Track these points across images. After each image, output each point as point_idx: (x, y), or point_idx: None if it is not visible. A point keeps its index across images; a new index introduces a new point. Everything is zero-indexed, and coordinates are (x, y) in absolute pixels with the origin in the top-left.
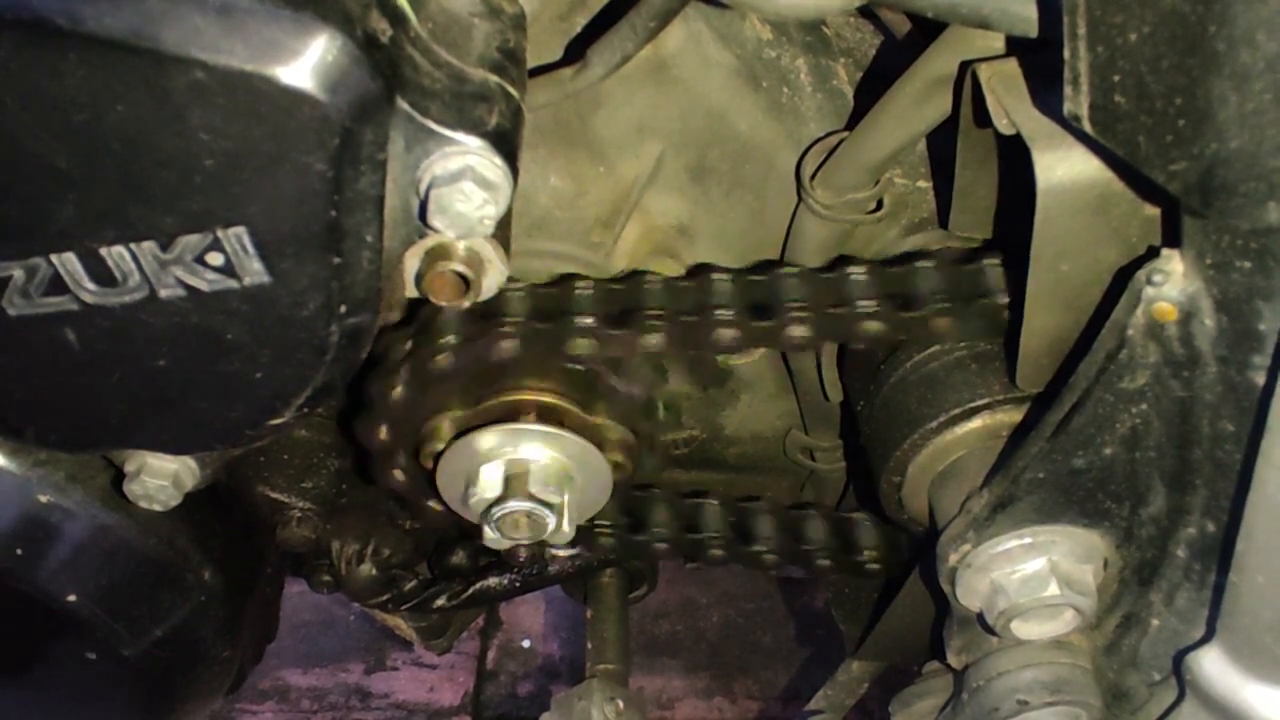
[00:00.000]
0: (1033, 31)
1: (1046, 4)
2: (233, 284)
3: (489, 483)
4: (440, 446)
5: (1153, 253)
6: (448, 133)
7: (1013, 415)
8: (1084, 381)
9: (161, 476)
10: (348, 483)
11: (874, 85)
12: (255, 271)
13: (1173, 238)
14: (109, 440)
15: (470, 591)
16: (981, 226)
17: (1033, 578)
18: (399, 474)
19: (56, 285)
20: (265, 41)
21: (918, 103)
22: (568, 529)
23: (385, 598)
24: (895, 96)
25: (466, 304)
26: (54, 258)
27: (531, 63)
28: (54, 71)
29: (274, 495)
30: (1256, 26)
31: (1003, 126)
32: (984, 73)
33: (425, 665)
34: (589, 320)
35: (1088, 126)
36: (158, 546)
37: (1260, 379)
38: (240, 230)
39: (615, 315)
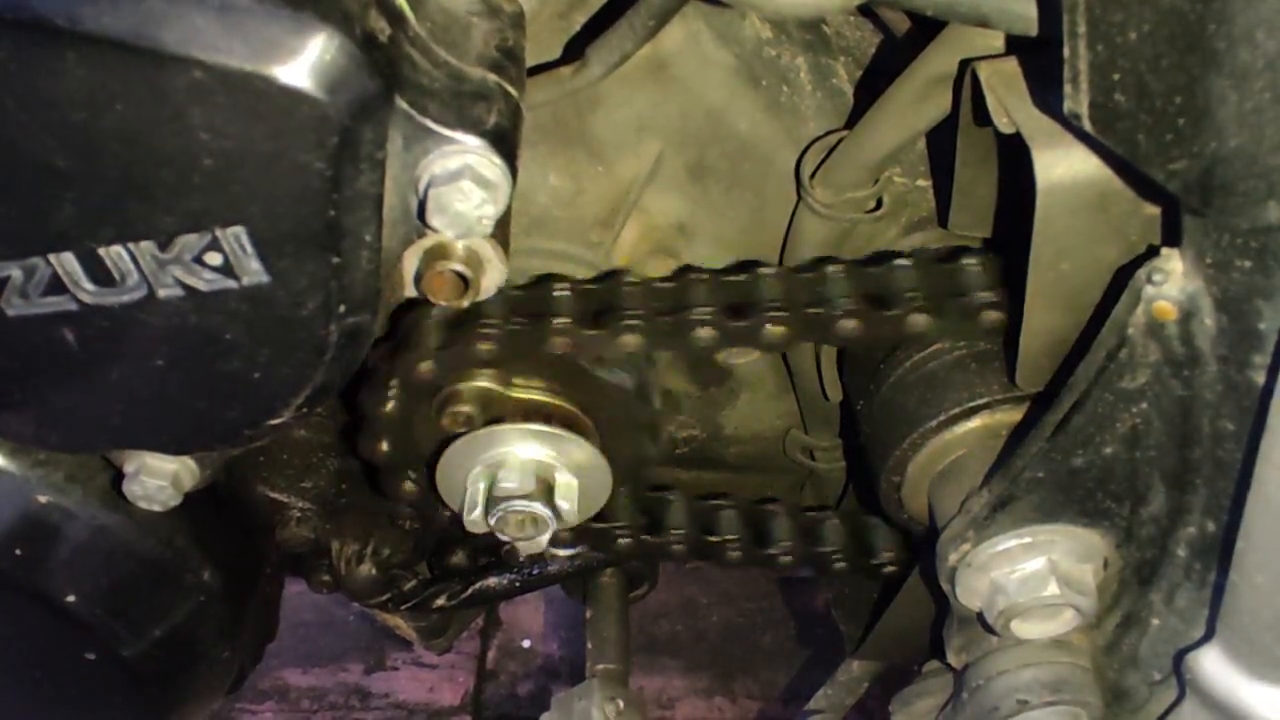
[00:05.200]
0: (1032, 30)
1: (1046, 2)
2: (231, 284)
3: (491, 481)
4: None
5: (1153, 252)
6: (446, 132)
7: (1012, 415)
8: (1084, 381)
9: (161, 477)
10: (347, 483)
11: (874, 84)
12: (254, 271)
13: (1172, 236)
14: (108, 440)
15: (470, 591)
16: (981, 225)
17: (1032, 577)
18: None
19: (55, 285)
20: (264, 41)
21: (917, 101)
22: (571, 517)
23: (385, 597)
24: (895, 95)
25: (465, 304)
26: (52, 258)
27: (530, 61)
28: (53, 71)
29: (273, 495)
30: (1256, 25)
31: (1002, 125)
32: (983, 71)
33: (425, 665)
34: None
35: (1087, 125)
36: (157, 547)
37: (1260, 378)
38: (239, 230)
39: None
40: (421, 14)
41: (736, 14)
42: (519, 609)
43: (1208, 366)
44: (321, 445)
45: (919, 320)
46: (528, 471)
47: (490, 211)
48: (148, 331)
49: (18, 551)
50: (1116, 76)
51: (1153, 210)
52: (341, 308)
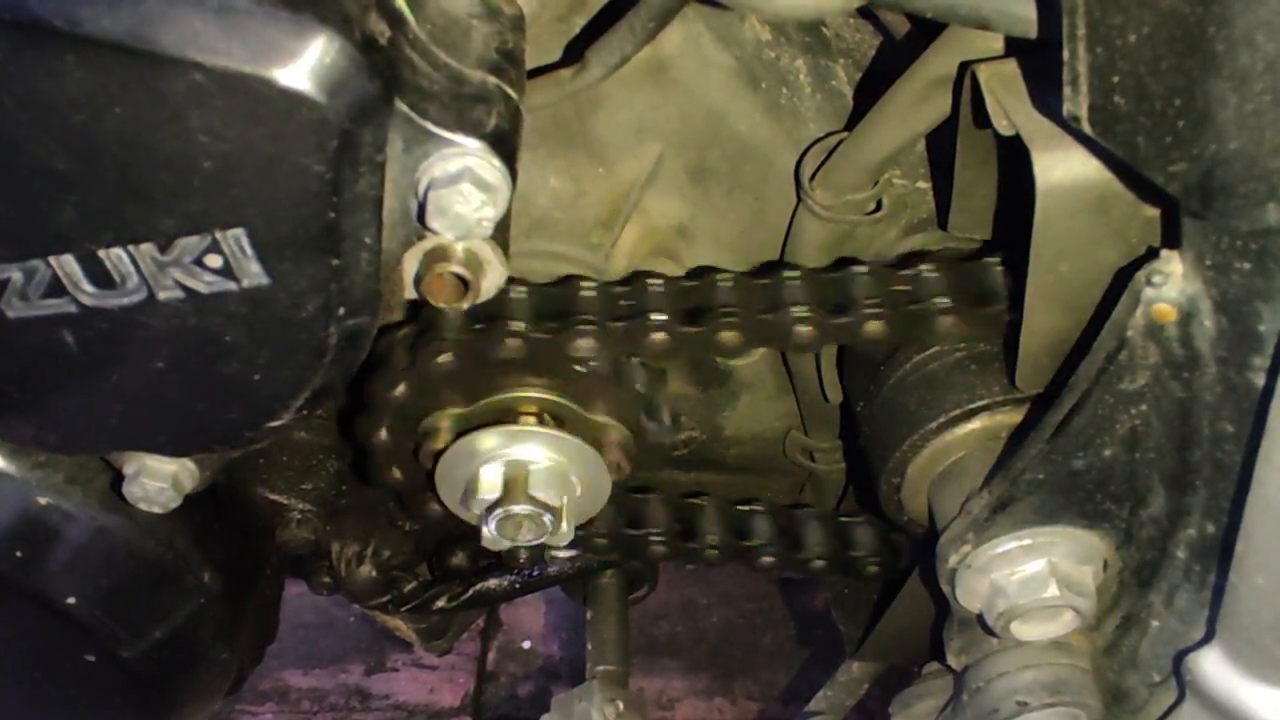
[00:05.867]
0: (1032, 32)
1: (1046, 4)
2: (231, 286)
3: (489, 484)
4: None
5: (1152, 254)
6: (446, 134)
7: (1012, 416)
8: (1084, 382)
9: (160, 478)
10: (347, 484)
11: (873, 86)
12: (254, 273)
13: (1172, 239)
14: (108, 442)
15: (470, 593)
16: (981, 227)
17: (1032, 579)
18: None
19: (55, 287)
20: (263, 43)
21: (917, 103)
22: (566, 530)
23: (385, 599)
24: (894, 97)
25: (465, 306)
26: (52, 260)
27: (530, 64)
28: (52, 73)
29: (273, 497)
30: (1256, 27)
31: (1002, 127)
32: (983, 73)
33: (425, 666)
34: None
35: (1087, 127)
36: (157, 548)
37: (1260, 380)
38: (239, 232)
39: None
40: (421, 16)
41: (736, 16)
42: (519, 610)
43: (1207, 368)
44: (322, 447)
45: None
46: (526, 472)
47: (490, 214)
48: (147, 333)
49: (18, 553)
50: (1116, 79)
51: (1152, 212)
52: (341, 310)
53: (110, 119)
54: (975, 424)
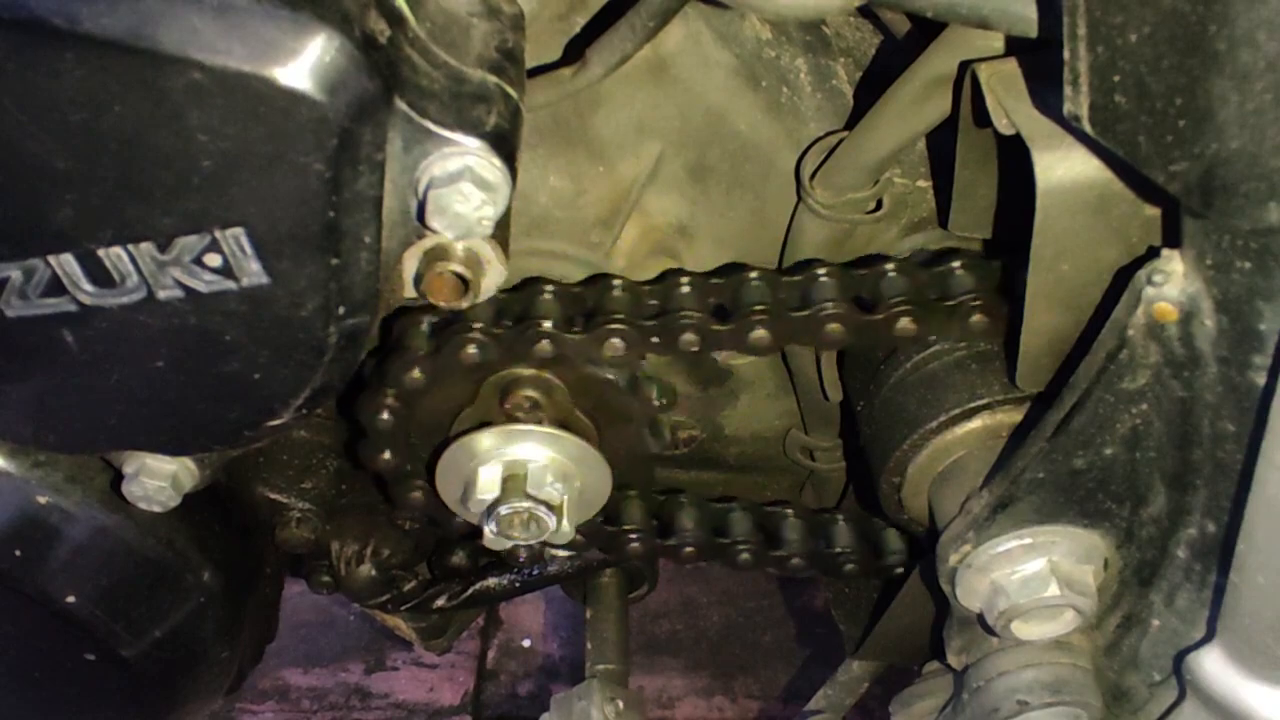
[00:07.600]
0: (1032, 31)
1: (1046, 4)
2: (231, 285)
3: (488, 483)
4: None
5: (1153, 253)
6: (446, 133)
7: (1013, 415)
8: (1084, 381)
9: (160, 478)
10: (347, 483)
11: (874, 85)
12: (253, 273)
13: (1173, 238)
14: (107, 441)
15: (470, 591)
16: (981, 226)
17: (1033, 578)
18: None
19: (54, 286)
20: (263, 42)
21: (917, 102)
22: (568, 529)
23: (385, 598)
24: (895, 96)
25: (465, 305)
26: (52, 259)
27: (530, 63)
28: (52, 72)
29: (273, 496)
30: (1257, 26)
31: (1002, 126)
32: (983, 72)
33: (425, 665)
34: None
35: (1088, 126)
36: (157, 547)
37: (1261, 379)
38: (238, 231)
39: None
40: (421, 15)
41: (736, 15)
42: (519, 609)
43: (1208, 368)
44: (321, 446)
45: None
46: (524, 470)
47: (490, 213)
48: (147, 333)
49: (17, 552)
50: (1117, 78)
51: (1153, 211)
52: (341, 309)
53: (110, 118)
54: (976, 423)
